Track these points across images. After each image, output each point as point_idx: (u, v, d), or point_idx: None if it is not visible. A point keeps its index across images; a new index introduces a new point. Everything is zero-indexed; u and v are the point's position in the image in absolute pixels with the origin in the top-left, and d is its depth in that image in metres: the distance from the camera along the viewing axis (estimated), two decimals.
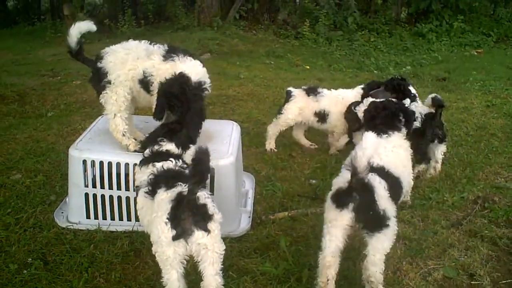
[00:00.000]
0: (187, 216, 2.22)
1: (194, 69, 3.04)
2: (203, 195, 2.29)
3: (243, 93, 6.29)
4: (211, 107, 5.65)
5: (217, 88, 6.45)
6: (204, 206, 2.27)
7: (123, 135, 3.13)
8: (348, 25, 11.38)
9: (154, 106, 3.01)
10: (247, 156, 4.15)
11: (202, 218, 2.24)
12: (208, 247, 2.25)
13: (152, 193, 2.39)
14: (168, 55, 3.08)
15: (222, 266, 2.32)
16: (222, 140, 3.33)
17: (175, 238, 2.19)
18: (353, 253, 2.83)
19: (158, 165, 2.49)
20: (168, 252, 2.20)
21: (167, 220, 2.19)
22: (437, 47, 10.53)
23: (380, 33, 11.41)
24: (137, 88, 3.16)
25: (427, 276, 2.71)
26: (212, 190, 3.03)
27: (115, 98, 3.11)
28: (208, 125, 3.60)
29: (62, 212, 3.23)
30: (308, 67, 8.56)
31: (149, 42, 3.20)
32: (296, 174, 3.96)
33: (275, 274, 2.60)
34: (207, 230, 2.24)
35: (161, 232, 2.20)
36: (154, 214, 2.28)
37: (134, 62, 3.11)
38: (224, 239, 2.94)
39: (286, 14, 12.11)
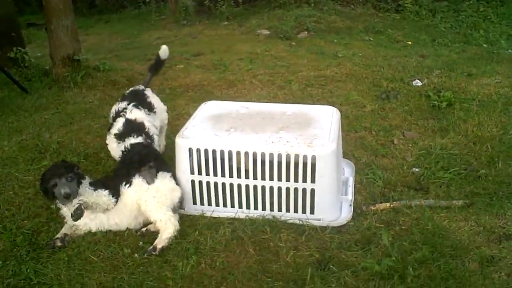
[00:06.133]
0: None
1: None
2: None
3: (341, 73, 6.14)
4: (309, 88, 5.62)
5: (315, 69, 6.39)
6: None
7: None
8: None
9: None
10: (346, 142, 4.08)
11: None
12: None
13: None
14: None
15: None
16: (322, 126, 3.29)
17: None
18: (461, 251, 2.70)
19: None
20: None
21: None
22: None
23: (490, 1, 10.45)
24: None
25: None
26: (313, 178, 3.03)
27: None
28: (307, 109, 3.60)
29: None
30: (410, 42, 8.13)
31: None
32: (398, 162, 3.81)
33: (377, 270, 2.54)
34: None
35: None
36: None
37: None
38: (324, 229, 2.98)
39: None
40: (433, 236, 2.84)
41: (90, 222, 3.03)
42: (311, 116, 3.44)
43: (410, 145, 4.10)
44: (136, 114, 3.56)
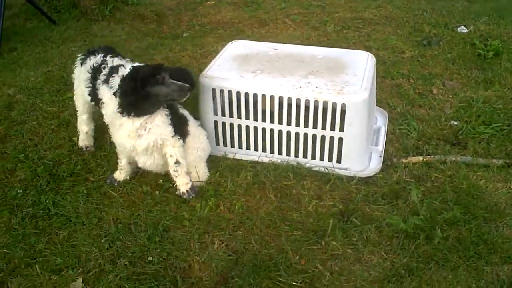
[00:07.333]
0: None
1: None
2: None
3: (381, 16, 5.76)
4: (344, 31, 5.30)
5: (352, 10, 6.01)
6: None
7: None
8: None
9: None
10: (381, 89, 3.86)
11: None
12: None
13: None
14: None
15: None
16: (355, 72, 3.07)
17: None
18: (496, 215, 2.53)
19: None
20: None
21: None
22: None
23: None
24: None
25: None
26: (342, 127, 2.86)
27: None
28: (340, 53, 3.36)
29: None
30: None
31: None
32: (436, 113, 3.57)
33: (402, 228, 2.41)
34: None
35: None
36: None
37: None
38: (351, 180, 2.84)
39: None
40: (466, 196, 2.67)
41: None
42: (344, 61, 3.20)
43: (450, 96, 3.83)
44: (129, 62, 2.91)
